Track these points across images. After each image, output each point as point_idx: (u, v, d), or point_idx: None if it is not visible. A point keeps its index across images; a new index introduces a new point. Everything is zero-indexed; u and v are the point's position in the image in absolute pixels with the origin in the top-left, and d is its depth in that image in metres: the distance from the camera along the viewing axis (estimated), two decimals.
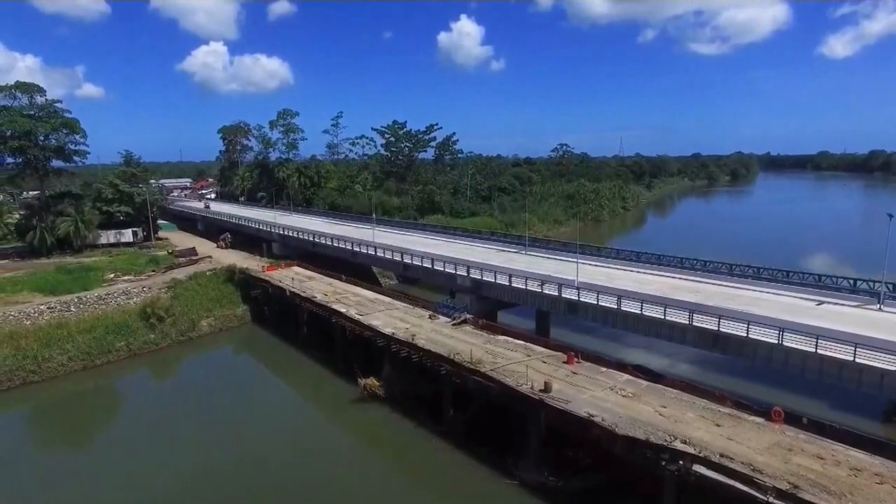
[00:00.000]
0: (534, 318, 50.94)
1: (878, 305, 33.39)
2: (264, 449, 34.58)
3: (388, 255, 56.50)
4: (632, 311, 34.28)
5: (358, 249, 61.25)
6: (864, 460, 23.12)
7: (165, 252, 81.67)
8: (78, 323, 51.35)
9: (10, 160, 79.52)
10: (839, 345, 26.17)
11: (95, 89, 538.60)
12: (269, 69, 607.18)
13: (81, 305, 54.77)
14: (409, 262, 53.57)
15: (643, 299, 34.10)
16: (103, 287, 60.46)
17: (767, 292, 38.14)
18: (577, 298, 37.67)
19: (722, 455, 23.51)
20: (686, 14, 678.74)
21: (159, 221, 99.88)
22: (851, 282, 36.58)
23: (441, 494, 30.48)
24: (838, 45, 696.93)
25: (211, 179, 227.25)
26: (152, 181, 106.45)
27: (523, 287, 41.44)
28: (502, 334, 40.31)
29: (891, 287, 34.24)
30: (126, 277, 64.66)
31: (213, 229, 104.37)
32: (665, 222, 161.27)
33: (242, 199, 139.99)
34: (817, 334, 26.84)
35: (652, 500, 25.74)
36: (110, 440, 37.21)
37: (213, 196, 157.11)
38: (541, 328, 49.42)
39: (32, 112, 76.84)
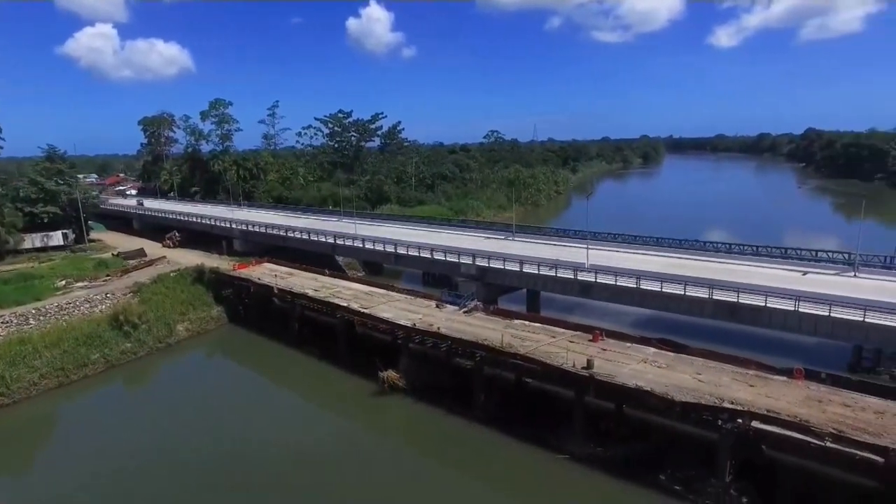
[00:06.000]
0: (522, 301, 52.99)
1: (854, 273, 38.22)
2: (291, 451, 33.53)
3: (380, 247, 55.96)
4: (651, 288, 36.85)
5: (341, 243, 60.07)
6: (881, 404, 26.73)
7: (109, 254, 75.59)
8: (42, 337, 46.46)
9: None
10: (850, 309, 29.93)
11: None
12: (166, 55, 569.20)
13: (41, 318, 49.95)
14: (405, 252, 53.47)
15: (662, 278, 36.77)
16: (59, 296, 55.27)
17: (754, 266, 42.37)
18: (593, 280, 39.84)
19: (769, 410, 26.32)
20: (589, 2, 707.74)
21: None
22: (828, 253, 41.53)
23: (501, 474, 31.14)
24: (724, 36, 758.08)
25: (122, 175, 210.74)
26: (81, 176, 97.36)
27: (535, 272, 42.99)
28: (517, 318, 41.61)
29: (864, 257, 39.27)
30: (80, 284, 59.38)
31: (151, 228, 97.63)
32: (598, 205, 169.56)
33: (171, 194, 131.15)
34: (830, 301, 30.47)
35: (695, 462, 28.16)
36: (100, 458, 33.87)
37: (134, 192, 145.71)
38: (531, 308, 51.60)
39: None
